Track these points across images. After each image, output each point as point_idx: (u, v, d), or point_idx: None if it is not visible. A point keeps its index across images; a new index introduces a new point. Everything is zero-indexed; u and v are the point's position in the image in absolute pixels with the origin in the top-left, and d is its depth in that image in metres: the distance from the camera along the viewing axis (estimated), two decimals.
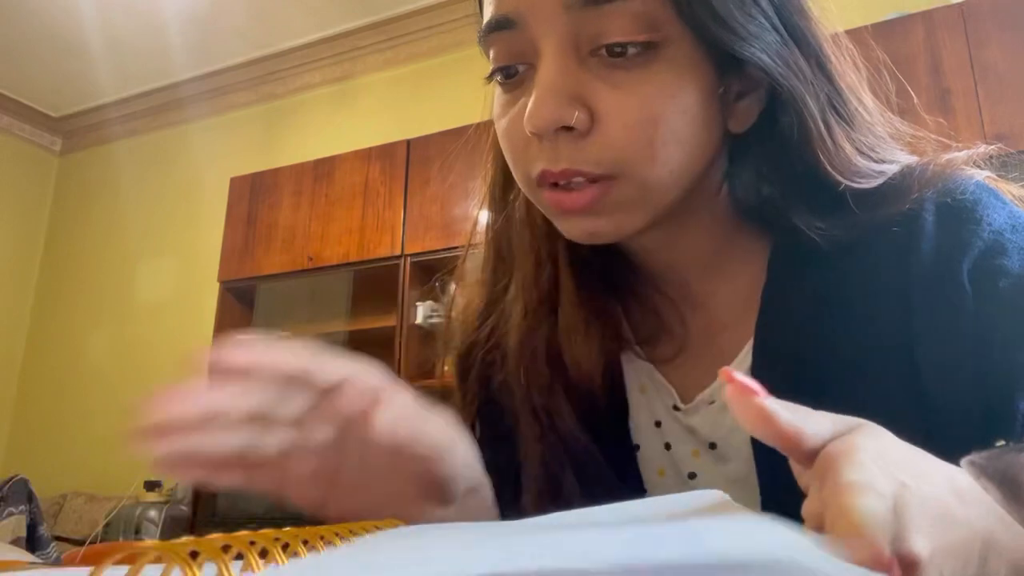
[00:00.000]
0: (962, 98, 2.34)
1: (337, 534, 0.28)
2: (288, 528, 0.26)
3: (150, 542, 0.20)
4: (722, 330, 0.55)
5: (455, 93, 3.49)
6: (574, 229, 0.49)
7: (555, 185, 0.47)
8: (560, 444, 0.55)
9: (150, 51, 4.11)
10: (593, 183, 0.46)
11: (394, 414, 0.41)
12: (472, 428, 0.62)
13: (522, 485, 0.56)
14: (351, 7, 3.80)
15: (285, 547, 0.24)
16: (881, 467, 0.25)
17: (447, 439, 0.44)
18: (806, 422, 0.27)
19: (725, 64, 0.46)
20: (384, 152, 3.40)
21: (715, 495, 0.28)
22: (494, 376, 0.60)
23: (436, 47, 3.79)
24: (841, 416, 0.29)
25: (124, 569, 0.20)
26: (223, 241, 3.68)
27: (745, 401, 0.27)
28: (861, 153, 0.49)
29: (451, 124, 3.07)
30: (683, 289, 0.56)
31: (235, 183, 3.75)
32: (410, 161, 3.31)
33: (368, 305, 3.44)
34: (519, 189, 0.57)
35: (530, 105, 0.45)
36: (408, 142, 3.34)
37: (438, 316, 3.09)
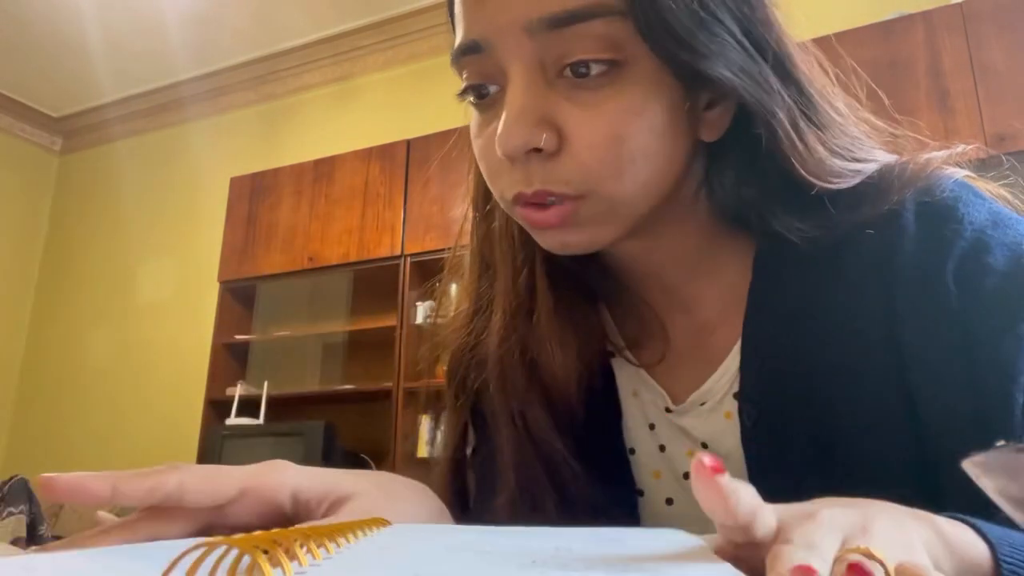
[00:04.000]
0: (962, 98, 2.34)
1: (327, 537, 0.28)
2: (278, 529, 0.26)
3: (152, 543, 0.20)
4: (710, 331, 0.56)
5: (455, 93, 3.49)
6: (549, 241, 0.50)
7: (527, 203, 0.48)
8: (534, 450, 0.55)
9: (150, 51, 4.11)
10: (563, 201, 0.47)
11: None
12: (462, 432, 0.63)
13: (497, 489, 0.56)
14: (351, 7, 3.80)
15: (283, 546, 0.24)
16: (835, 522, 0.25)
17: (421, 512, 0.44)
18: (762, 511, 0.26)
19: (691, 78, 0.46)
20: (384, 152, 3.40)
21: (687, 539, 0.28)
22: (478, 382, 0.61)
23: (436, 47, 3.79)
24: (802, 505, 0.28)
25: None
26: (223, 241, 3.68)
27: (707, 481, 0.25)
28: (835, 154, 0.50)
29: (451, 124, 3.05)
30: (667, 293, 0.57)
31: (235, 183, 3.75)
32: (410, 161, 3.31)
33: (368, 305, 3.44)
34: (495, 201, 0.57)
35: (499, 129, 0.46)
36: (408, 142, 3.34)
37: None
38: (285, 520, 0.38)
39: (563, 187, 0.46)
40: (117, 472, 0.35)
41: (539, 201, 0.47)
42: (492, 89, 0.49)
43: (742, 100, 0.47)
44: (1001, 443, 0.25)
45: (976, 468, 0.25)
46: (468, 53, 0.48)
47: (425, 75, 3.81)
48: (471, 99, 0.50)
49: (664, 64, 0.45)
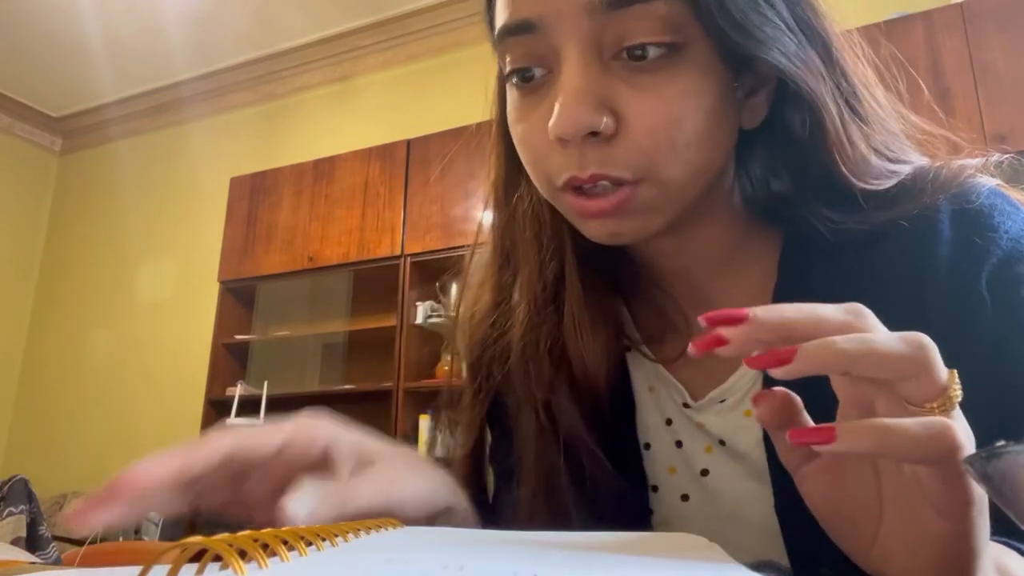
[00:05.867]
0: (962, 98, 2.34)
1: (335, 534, 0.28)
2: (287, 528, 0.26)
3: (155, 542, 0.20)
4: None
5: (455, 93, 3.49)
6: (597, 231, 0.49)
7: (577, 189, 0.47)
8: (558, 441, 0.55)
9: (150, 51, 4.11)
10: (618, 186, 0.46)
11: (375, 483, 0.39)
12: (481, 427, 0.62)
13: (519, 481, 0.56)
14: (351, 7, 3.80)
15: (287, 544, 0.24)
16: None
17: (423, 492, 0.44)
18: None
19: (740, 63, 0.46)
20: (384, 152, 3.40)
21: (698, 540, 0.28)
22: (500, 374, 0.60)
23: (436, 47, 3.79)
24: None
25: (127, 569, 0.20)
26: (223, 241, 3.68)
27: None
28: (876, 152, 0.49)
29: (451, 124, 3.07)
30: (693, 288, 0.56)
31: (235, 183, 3.75)
32: (410, 161, 3.31)
33: (368, 305, 3.44)
34: (524, 188, 0.57)
35: (557, 111, 0.45)
36: (408, 142, 3.34)
37: (438, 316, 3.09)
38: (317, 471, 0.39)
39: (621, 171, 0.45)
40: (167, 454, 0.35)
41: (593, 185, 0.46)
42: (540, 72, 0.48)
43: (795, 87, 0.46)
44: (1000, 443, 0.25)
45: (974, 468, 0.25)
46: (518, 33, 0.47)
47: (425, 75, 3.81)
48: (514, 81, 0.49)
49: (717, 47, 0.45)
